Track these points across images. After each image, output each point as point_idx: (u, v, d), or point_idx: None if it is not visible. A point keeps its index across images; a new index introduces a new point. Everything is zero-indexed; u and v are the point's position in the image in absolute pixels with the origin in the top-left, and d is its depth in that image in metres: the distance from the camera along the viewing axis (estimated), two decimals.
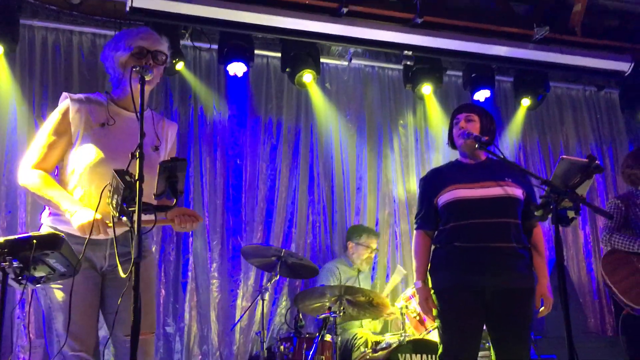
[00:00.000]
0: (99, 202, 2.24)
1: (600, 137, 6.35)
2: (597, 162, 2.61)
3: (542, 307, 3.03)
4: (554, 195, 2.54)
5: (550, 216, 2.58)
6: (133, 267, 2.02)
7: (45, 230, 2.47)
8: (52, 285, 2.40)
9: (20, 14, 4.66)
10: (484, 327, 3.03)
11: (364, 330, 4.62)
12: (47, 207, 2.53)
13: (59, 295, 2.41)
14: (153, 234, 2.71)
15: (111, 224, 2.21)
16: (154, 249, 4.69)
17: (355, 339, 4.47)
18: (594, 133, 6.34)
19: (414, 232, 3.23)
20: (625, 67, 5.70)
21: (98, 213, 2.28)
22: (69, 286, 2.37)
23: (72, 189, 2.47)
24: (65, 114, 2.51)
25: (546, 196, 2.58)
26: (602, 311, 5.86)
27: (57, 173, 2.57)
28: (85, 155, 2.46)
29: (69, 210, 2.35)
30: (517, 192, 3.03)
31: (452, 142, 3.23)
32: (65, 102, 2.53)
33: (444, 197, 3.06)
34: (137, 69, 2.34)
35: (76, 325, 2.40)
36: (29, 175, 2.46)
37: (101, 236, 2.34)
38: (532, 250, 3.08)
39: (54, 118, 2.53)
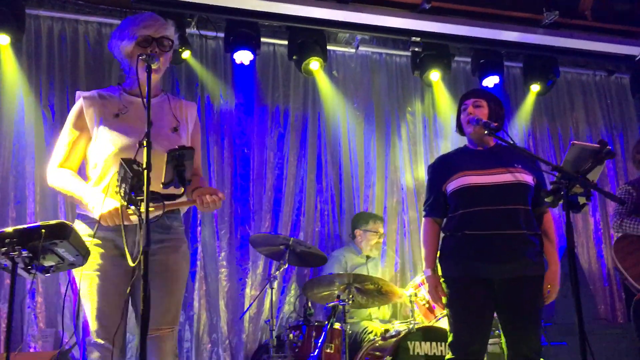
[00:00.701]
0: (107, 191, 2.24)
1: (611, 122, 6.29)
2: (608, 147, 2.57)
3: (548, 294, 3.00)
4: (564, 181, 2.52)
5: (561, 202, 2.56)
6: (142, 255, 2.01)
7: (78, 219, 2.50)
8: (84, 272, 2.40)
9: (26, 3, 4.66)
10: (494, 315, 3.02)
11: (374, 324, 4.61)
12: None
13: (89, 281, 2.41)
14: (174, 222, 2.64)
15: (131, 211, 2.20)
16: None
17: (365, 332, 4.47)
18: (604, 118, 6.28)
19: (423, 219, 3.21)
20: (636, 51, 5.64)
21: (116, 201, 2.27)
22: (102, 273, 2.39)
23: (96, 181, 2.48)
24: (80, 111, 2.55)
25: (557, 182, 2.55)
26: (613, 298, 5.83)
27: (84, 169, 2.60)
28: (103, 147, 2.47)
29: (90, 203, 2.37)
30: (527, 178, 2.99)
31: (460, 129, 3.20)
32: (79, 101, 2.58)
33: (452, 184, 3.03)
34: (144, 57, 2.32)
35: (103, 314, 2.40)
36: (54, 175, 2.52)
37: (130, 221, 2.32)
38: (542, 236, 3.06)
39: (70, 117, 2.57)
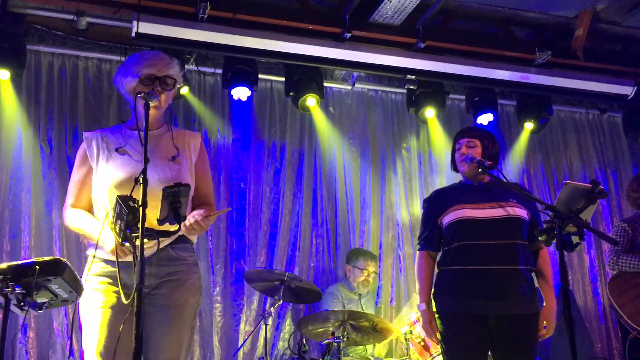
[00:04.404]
0: (102, 228, 2.24)
1: (604, 160, 6.35)
2: (600, 187, 2.60)
3: (544, 330, 2.99)
4: (557, 221, 2.54)
5: (554, 241, 2.57)
6: (135, 293, 2.01)
7: (89, 260, 2.49)
8: (92, 308, 2.38)
9: (27, 39, 4.71)
10: (489, 352, 3.00)
11: None
12: None
13: (96, 319, 2.38)
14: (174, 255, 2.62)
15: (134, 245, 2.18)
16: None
17: None
18: (597, 156, 6.34)
19: (417, 253, 3.21)
20: (628, 90, 5.71)
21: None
22: (109, 309, 2.37)
23: (98, 215, 2.49)
24: (83, 150, 2.60)
25: (550, 221, 2.57)
26: (609, 336, 5.80)
27: None
28: (101, 181, 2.49)
29: (99, 239, 2.35)
30: (522, 212, 3.01)
31: (455, 167, 3.23)
32: (83, 139, 2.63)
33: (448, 217, 3.04)
34: (142, 95, 2.36)
35: (108, 352, 2.35)
36: (67, 215, 2.56)
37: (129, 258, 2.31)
38: (537, 273, 3.06)
39: (77, 157, 2.63)
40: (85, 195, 2.57)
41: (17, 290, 2.04)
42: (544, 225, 2.63)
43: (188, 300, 2.52)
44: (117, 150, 2.54)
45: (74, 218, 2.53)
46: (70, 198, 2.59)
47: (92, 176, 2.55)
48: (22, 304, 2.08)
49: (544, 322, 2.98)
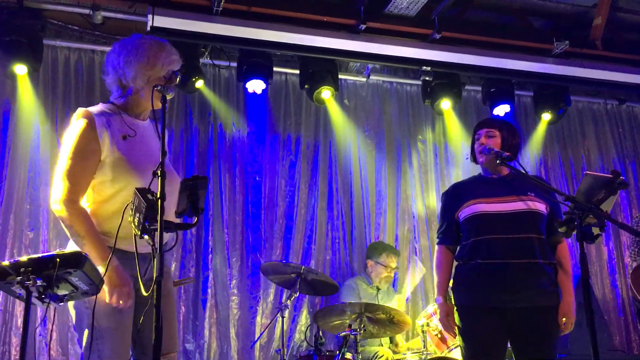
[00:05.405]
0: (121, 222, 2.23)
1: (623, 151, 6.28)
2: (621, 177, 2.56)
3: (564, 326, 2.96)
4: (578, 212, 2.50)
5: (574, 233, 2.54)
6: (155, 285, 2.01)
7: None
8: (100, 304, 2.33)
9: (43, 34, 4.75)
10: (508, 346, 2.98)
11: (385, 349, 4.56)
12: None
13: (107, 314, 2.34)
14: (173, 251, 2.72)
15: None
16: (173, 266, 4.70)
17: (377, 357, 4.42)
18: (616, 147, 6.27)
19: (436, 247, 3.21)
20: None
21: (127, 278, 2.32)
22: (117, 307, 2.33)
23: (107, 204, 2.41)
24: (93, 131, 2.42)
25: (570, 212, 2.54)
26: (628, 328, 5.74)
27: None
28: (115, 170, 2.41)
29: (108, 272, 2.27)
30: (540, 206, 2.98)
31: (474, 158, 3.21)
32: (89, 118, 2.46)
33: (464, 212, 3.03)
34: (159, 88, 2.35)
35: (121, 347, 2.35)
36: (66, 208, 2.33)
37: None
38: (557, 266, 3.03)
39: (81, 137, 2.43)
40: (86, 183, 2.38)
41: (38, 282, 2.05)
42: (564, 217, 2.60)
43: (173, 291, 2.67)
44: (124, 137, 2.47)
45: (89, 226, 2.33)
46: (68, 184, 2.33)
47: (99, 164, 2.40)
48: (43, 296, 2.10)
49: (563, 318, 2.94)
